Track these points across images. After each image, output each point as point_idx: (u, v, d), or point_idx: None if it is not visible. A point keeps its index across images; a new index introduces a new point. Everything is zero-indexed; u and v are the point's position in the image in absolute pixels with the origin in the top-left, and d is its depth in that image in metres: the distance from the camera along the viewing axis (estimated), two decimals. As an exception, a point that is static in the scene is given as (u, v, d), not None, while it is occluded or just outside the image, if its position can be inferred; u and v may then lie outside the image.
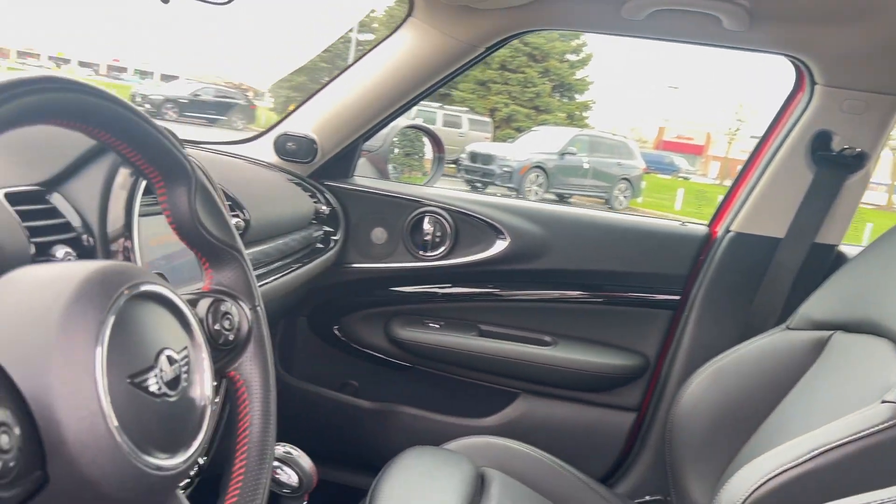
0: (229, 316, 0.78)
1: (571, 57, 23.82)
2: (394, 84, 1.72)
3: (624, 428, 1.84)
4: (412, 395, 1.92)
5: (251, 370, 0.81)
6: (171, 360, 0.62)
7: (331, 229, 1.81)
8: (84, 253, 0.90)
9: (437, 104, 18.46)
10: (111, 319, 0.56)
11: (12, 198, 0.84)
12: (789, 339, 1.44)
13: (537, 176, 14.52)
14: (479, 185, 14.58)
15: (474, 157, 14.67)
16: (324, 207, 1.76)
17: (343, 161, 1.86)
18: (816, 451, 1.01)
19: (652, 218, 1.92)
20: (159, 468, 0.58)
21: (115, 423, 0.54)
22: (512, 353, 1.82)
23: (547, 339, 1.84)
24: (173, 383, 0.61)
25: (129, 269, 0.63)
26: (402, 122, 2.03)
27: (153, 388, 0.59)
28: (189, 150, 1.40)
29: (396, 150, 2.12)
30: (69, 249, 0.86)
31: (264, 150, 1.79)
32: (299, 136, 1.76)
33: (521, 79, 22.24)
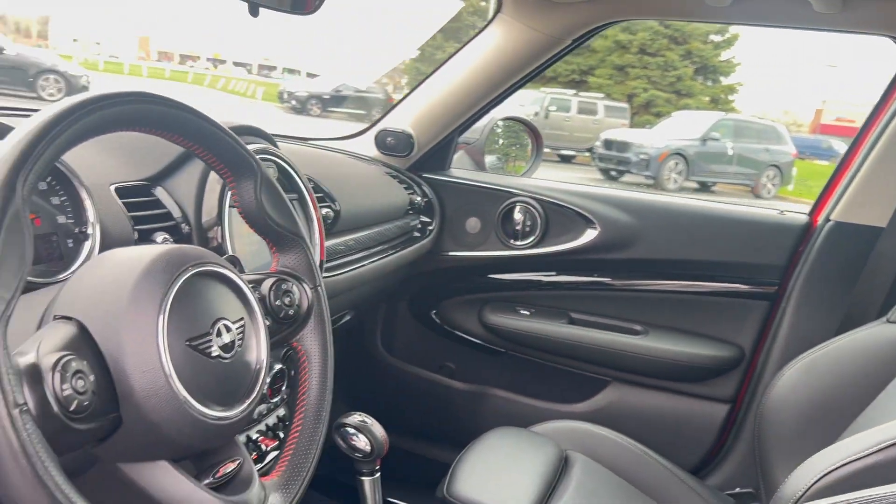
0: (290, 294, 0.89)
1: (715, 38, 22.68)
2: (484, 79, 1.79)
3: (717, 419, 1.82)
4: (504, 379, 1.99)
5: (311, 342, 0.91)
6: (226, 329, 0.73)
7: (427, 219, 1.91)
8: (181, 239, 1.04)
9: (572, 91, 18.19)
10: (173, 293, 0.68)
11: (121, 191, 0.99)
12: (888, 333, 1.38)
13: (676, 163, 13.97)
14: (613, 173, 14.27)
15: (609, 144, 14.33)
16: (418, 198, 1.86)
17: (439, 154, 1.96)
18: (884, 444, 0.99)
19: (750, 206, 1.87)
20: (214, 418, 0.69)
21: (175, 377, 0.65)
22: (602, 342, 1.84)
23: (638, 328, 1.85)
24: (228, 348, 0.72)
25: (194, 251, 0.74)
26: (499, 114, 2.10)
27: (209, 350, 0.70)
28: (291, 146, 1.55)
29: (500, 142, 2.19)
30: (167, 236, 1.00)
31: (366, 145, 1.92)
32: (397, 132, 1.88)
33: (662, 62, 21.41)
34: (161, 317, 0.66)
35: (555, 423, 1.71)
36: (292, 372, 1.26)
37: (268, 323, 0.84)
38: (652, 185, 13.60)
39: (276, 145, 1.27)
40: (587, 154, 15.79)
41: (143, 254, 0.70)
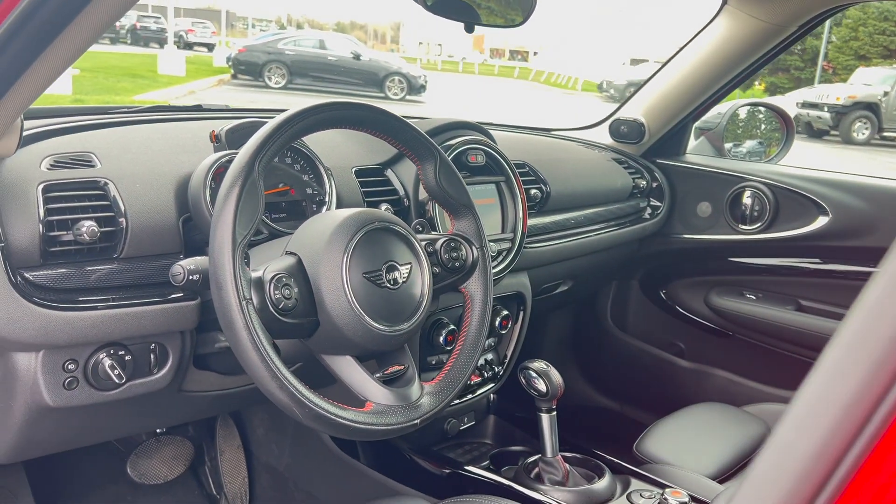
0: (458, 250, 1.15)
1: None
2: (712, 69, 1.86)
3: None
4: (730, 361, 2.03)
5: (475, 289, 1.17)
6: (395, 268, 1.02)
7: (657, 202, 2.04)
8: (402, 210, 1.37)
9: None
10: (356, 240, 0.98)
11: (359, 172, 1.34)
12: None
13: None
14: None
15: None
16: (644, 182, 1.99)
17: (673, 140, 2.06)
18: None
19: None
20: (381, 330, 0.99)
21: (352, 297, 0.96)
22: (831, 330, 1.79)
23: None
24: (394, 282, 1.01)
25: (378, 214, 1.05)
26: (740, 100, 2.13)
27: (379, 282, 1.00)
28: (515, 135, 1.81)
29: (742, 127, 2.20)
30: (389, 206, 1.33)
31: (602, 133, 2.10)
32: (630, 120, 2.03)
33: None
34: (345, 255, 0.97)
35: (770, 404, 1.74)
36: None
37: (437, 270, 1.11)
38: None
39: (490, 137, 1.54)
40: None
41: (342, 213, 1.02)
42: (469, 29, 1.43)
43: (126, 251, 1.04)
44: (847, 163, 11.96)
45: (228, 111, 1.58)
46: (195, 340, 1.14)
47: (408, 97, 15.32)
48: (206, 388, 1.21)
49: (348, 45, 16.07)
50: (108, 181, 1.06)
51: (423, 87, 15.67)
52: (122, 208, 1.04)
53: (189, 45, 23.09)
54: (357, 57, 15.48)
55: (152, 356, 1.09)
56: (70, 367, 1.02)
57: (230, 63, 15.71)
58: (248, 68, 15.10)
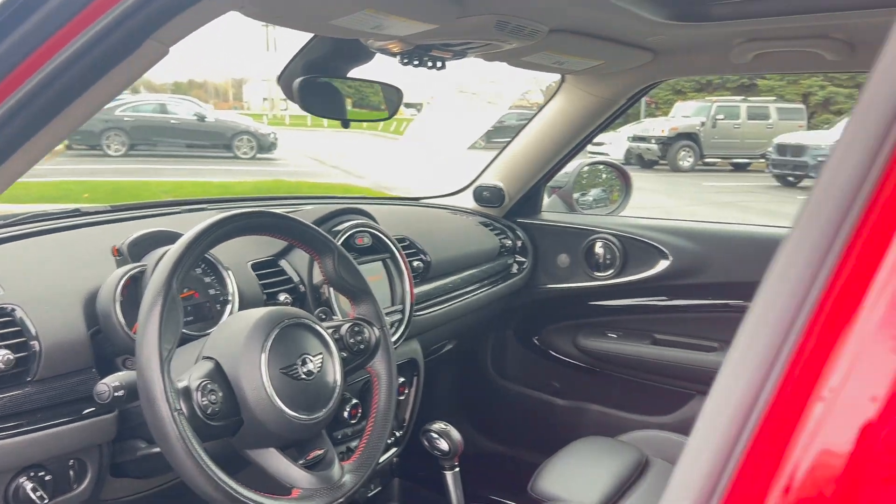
0: (361, 334, 1.25)
1: (905, 21, 20.65)
2: (557, 137, 2.09)
3: None
4: (601, 395, 2.24)
5: (380, 367, 1.28)
6: (309, 360, 1.11)
7: (522, 258, 2.23)
8: (299, 297, 1.45)
9: (740, 97, 17.47)
10: (271, 339, 1.07)
11: (255, 265, 1.42)
12: None
13: (862, 162, 12.98)
14: (791, 178, 13.58)
15: (783, 149, 13.64)
16: (510, 241, 2.19)
17: (530, 201, 2.28)
18: None
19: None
20: (302, 419, 1.07)
21: (273, 392, 1.04)
22: (683, 359, 2.05)
23: (714, 345, 2.04)
24: (310, 373, 1.10)
25: (288, 311, 1.14)
26: (586, 160, 2.39)
27: (295, 375, 1.08)
28: (392, 208, 1.92)
29: (587, 184, 2.46)
30: (287, 295, 1.41)
31: (467, 199, 2.29)
32: (490, 186, 2.22)
33: (839, 56, 19.99)
34: (263, 354, 1.05)
35: (642, 432, 1.94)
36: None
37: (344, 355, 1.21)
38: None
39: (373, 219, 1.66)
40: (762, 161, 15.14)
41: (254, 314, 1.10)
42: (345, 125, 1.55)
43: (39, 373, 1.06)
44: (677, 187, 13.04)
45: (109, 212, 1.59)
46: (112, 451, 1.16)
47: (258, 156, 15.14)
48: (125, 493, 1.23)
49: (191, 107, 15.71)
50: (14, 307, 1.08)
51: (273, 145, 15.56)
52: (34, 332, 1.06)
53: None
54: (202, 118, 15.17)
55: (71, 472, 1.11)
56: None
57: (64, 133, 14.86)
58: (83, 137, 14.36)
